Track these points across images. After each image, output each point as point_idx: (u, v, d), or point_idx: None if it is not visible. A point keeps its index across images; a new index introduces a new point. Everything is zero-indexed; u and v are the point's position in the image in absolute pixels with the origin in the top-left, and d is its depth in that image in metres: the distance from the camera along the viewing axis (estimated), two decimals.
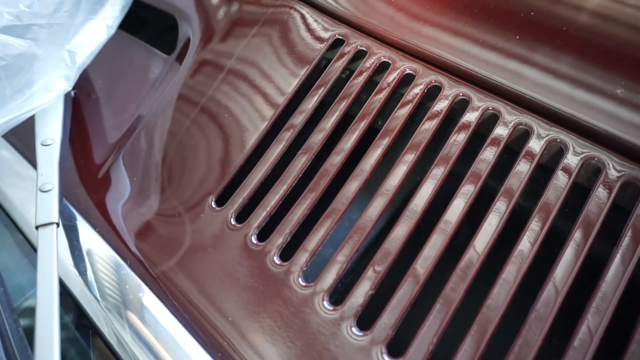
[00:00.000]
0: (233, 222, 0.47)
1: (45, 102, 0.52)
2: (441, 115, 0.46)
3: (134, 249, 0.48)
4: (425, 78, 0.49)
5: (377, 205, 0.44)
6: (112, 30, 0.67)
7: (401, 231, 0.42)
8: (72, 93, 0.67)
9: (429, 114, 0.47)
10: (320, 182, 0.46)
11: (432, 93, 0.49)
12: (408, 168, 0.45)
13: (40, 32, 0.53)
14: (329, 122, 0.50)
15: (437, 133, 0.46)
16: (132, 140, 0.58)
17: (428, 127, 0.46)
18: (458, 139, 0.45)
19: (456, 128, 0.45)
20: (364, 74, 0.51)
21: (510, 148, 0.45)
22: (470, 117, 0.46)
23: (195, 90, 0.59)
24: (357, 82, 0.51)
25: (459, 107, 0.48)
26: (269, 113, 0.53)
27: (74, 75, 0.57)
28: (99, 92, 0.69)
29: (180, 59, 0.65)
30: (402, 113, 0.48)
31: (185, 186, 0.51)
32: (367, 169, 0.46)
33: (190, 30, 0.65)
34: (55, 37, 0.55)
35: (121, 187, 0.54)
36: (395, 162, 0.45)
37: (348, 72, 0.61)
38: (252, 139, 0.51)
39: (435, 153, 0.45)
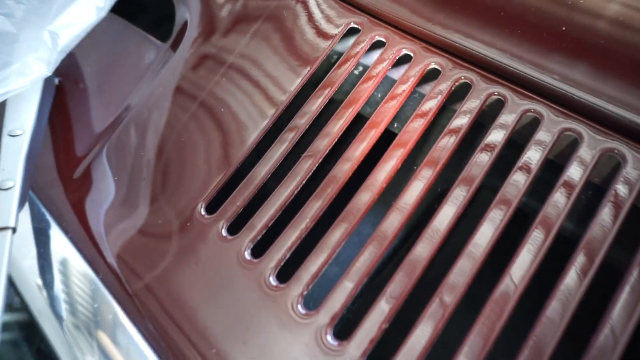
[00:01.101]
0: (224, 233, 0.40)
1: (19, 87, 0.46)
2: (470, 119, 0.40)
3: (110, 260, 0.42)
4: (453, 74, 0.42)
5: (394, 220, 0.37)
6: (103, 13, 0.60)
7: (422, 251, 0.35)
8: (56, 80, 0.61)
9: (455, 118, 0.40)
10: (327, 190, 0.40)
11: (460, 92, 0.43)
12: (428, 183, 0.38)
13: (16, 7, 0.46)
14: (337, 124, 0.43)
15: (465, 139, 0.40)
16: (117, 134, 0.52)
17: (455, 133, 0.39)
18: (491, 146, 0.38)
19: (488, 134, 0.39)
20: (381, 68, 0.45)
21: (553, 161, 0.38)
22: (507, 119, 0.39)
23: (190, 81, 0.53)
24: (372, 78, 0.44)
25: (492, 109, 0.41)
26: (271, 111, 0.46)
27: (54, 60, 0.51)
28: (87, 81, 0.63)
29: (175, 46, 0.58)
30: (424, 115, 0.41)
31: (173, 189, 0.45)
32: (381, 179, 0.39)
33: (188, 14, 0.59)
34: (34, 16, 0.48)
35: (101, 188, 0.48)
36: (412, 177, 0.38)
37: (362, 67, 0.55)
38: (251, 138, 0.45)
39: (462, 164, 0.38)
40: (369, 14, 0.48)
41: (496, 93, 0.40)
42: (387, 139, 0.43)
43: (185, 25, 0.58)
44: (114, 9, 0.63)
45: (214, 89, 0.51)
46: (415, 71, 0.43)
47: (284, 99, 0.46)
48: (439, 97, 0.42)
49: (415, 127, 0.41)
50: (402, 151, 0.40)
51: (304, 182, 0.41)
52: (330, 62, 0.49)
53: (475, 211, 0.38)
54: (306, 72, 0.47)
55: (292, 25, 0.51)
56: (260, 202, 0.41)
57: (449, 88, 0.42)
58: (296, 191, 0.40)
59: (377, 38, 0.47)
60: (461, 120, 0.40)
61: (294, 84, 0.47)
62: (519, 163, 0.37)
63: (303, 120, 0.44)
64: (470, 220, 0.37)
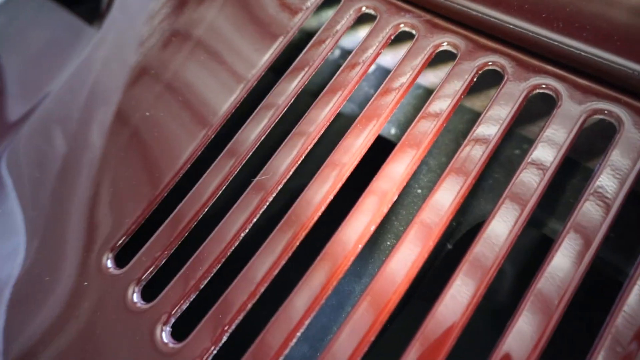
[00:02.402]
0: (135, 298, 0.27)
1: None
2: (504, 124, 0.26)
3: None
4: (474, 58, 0.29)
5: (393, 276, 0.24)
6: None
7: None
8: None
9: (482, 122, 0.27)
10: (284, 241, 0.26)
11: (484, 83, 0.29)
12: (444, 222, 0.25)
13: None
14: (311, 127, 0.29)
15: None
16: (22, 139, 0.38)
17: (481, 145, 0.26)
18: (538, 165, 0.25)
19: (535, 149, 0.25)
20: (370, 51, 0.31)
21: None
22: (564, 125, 0.26)
23: (108, 74, 0.39)
24: (357, 65, 0.31)
25: (537, 104, 0.28)
26: (213, 118, 0.32)
27: None
28: None
29: (100, 25, 0.45)
30: (431, 121, 0.28)
31: (72, 226, 0.31)
32: (369, 221, 0.26)
33: None
34: None
35: None
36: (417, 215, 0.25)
37: (340, 50, 0.41)
38: (182, 156, 0.31)
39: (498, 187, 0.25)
40: None
41: (544, 86, 0.27)
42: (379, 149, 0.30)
43: None
44: None
45: (136, 88, 0.37)
46: (420, 58, 0.30)
47: (225, 107, 0.32)
48: (454, 98, 0.28)
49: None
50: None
51: (247, 225, 0.27)
52: (298, 43, 0.36)
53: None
54: (265, 58, 0.33)
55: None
56: (187, 253, 0.27)
57: (467, 81, 0.28)
58: (238, 238, 0.27)
59: (364, 10, 0.33)
60: (485, 139, 0.26)
61: (250, 72, 0.33)
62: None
63: (252, 135, 0.30)
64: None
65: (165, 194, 0.30)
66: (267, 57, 0.33)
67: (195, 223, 0.28)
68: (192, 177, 0.31)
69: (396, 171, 0.27)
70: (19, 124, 0.43)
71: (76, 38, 0.49)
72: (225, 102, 0.32)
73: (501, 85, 0.27)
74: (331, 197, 0.27)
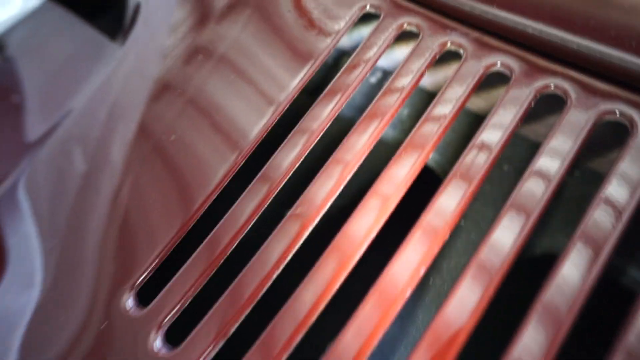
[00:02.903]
0: (159, 343, 0.25)
1: None
2: (570, 155, 0.24)
3: None
4: (530, 81, 0.26)
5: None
6: (33, 1, 0.45)
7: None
8: None
9: (544, 153, 0.24)
10: (325, 279, 0.24)
11: (545, 110, 0.27)
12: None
13: None
14: (349, 155, 0.27)
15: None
16: (27, 169, 0.37)
17: (544, 180, 0.23)
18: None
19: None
20: (413, 73, 0.29)
21: None
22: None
23: (129, 94, 0.37)
24: (399, 90, 0.28)
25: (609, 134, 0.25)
26: (244, 142, 0.30)
27: None
28: (11, 89, 0.48)
29: (124, 43, 0.43)
30: (485, 152, 0.25)
31: (91, 258, 0.29)
32: (416, 266, 0.23)
33: None
34: None
35: None
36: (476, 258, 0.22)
37: (380, 73, 0.39)
38: (210, 184, 0.29)
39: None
40: None
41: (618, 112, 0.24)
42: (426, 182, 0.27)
43: (137, 7, 0.43)
44: None
45: (161, 108, 0.35)
46: (468, 81, 0.27)
47: (255, 131, 0.30)
48: (510, 126, 0.25)
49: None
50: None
51: (284, 260, 0.25)
52: (333, 64, 0.34)
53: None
54: (297, 80, 0.31)
55: (280, 13, 0.35)
56: (216, 292, 0.25)
57: (525, 106, 0.26)
58: (274, 274, 0.24)
59: (406, 27, 0.31)
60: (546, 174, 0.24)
61: (281, 96, 0.31)
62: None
63: (286, 160, 0.28)
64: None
65: (193, 223, 0.28)
66: (299, 78, 0.31)
67: (225, 256, 0.26)
68: (222, 205, 0.28)
69: (447, 205, 0.24)
70: (38, 143, 0.42)
71: (97, 53, 0.48)
72: (256, 126, 0.30)
73: (564, 112, 0.25)
74: (375, 231, 0.24)
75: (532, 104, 0.25)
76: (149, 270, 0.27)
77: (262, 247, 0.25)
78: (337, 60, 0.44)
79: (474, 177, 0.24)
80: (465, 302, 0.21)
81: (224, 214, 0.27)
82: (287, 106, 0.30)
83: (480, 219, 0.32)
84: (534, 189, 0.23)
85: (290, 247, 0.25)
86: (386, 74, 0.41)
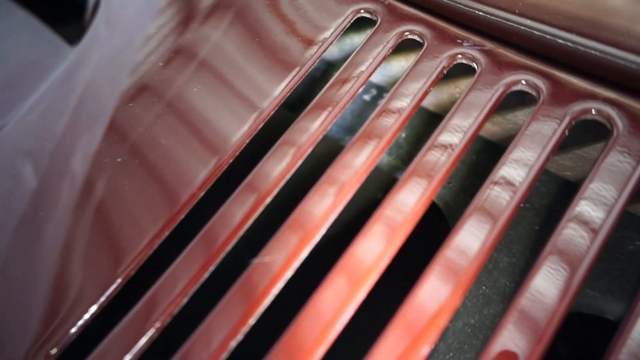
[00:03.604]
0: None
1: None
2: (618, 205, 0.18)
3: None
4: (564, 105, 0.21)
5: None
6: None
7: None
8: None
9: (583, 198, 0.19)
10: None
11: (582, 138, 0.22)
12: None
13: None
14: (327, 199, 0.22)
15: None
16: None
17: (588, 230, 0.18)
18: None
19: None
20: (416, 91, 0.23)
21: None
22: None
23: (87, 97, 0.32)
24: (398, 112, 0.23)
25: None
26: (209, 165, 0.25)
27: None
28: None
29: (79, 43, 0.37)
30: (508, 190, 0.20)
31: (28, 295, 0.23)
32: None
33: None
34: None
35: None
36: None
37: (375, 89, 0.34)
38: (182, 197, 0.23)
39: None
40: None
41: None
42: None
43: (95, 10, 0.37)
44: None
45: (127, 115, 0.29)
46: (483, 103, 0.22)
47: (233, 142, 0.24)
48: (538, 160, 0.20)
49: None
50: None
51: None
52: (319, 77, 0.29)
53: None
54: (277, 94, 0.26)
55: (259, 19, 0.30)
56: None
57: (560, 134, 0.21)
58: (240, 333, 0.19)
59: (408, 35, 0.26)
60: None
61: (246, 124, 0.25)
62: None
63: (265, 183, 0.22)
64: None
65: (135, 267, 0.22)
66: (280, 89, 0.26)
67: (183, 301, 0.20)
68: (197, 216, 0.23)
69: (472, 247, 0.19)
70: None
71: (55, 59, 0.42)
72: (234, 138, 0.24)
73: (609, 143, 0.20)
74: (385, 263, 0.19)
75: (567, 132, 0.20)
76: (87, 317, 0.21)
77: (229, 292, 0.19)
78: (326, 73, 0.39)
79: (499, 217, 0.19)
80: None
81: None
82: (270, 115, 0.25)
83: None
84: (577, 238, 0.18)
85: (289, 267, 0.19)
86: (381, 91, 0.36)
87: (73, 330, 0.20)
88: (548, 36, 0.22)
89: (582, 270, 0.17)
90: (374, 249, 0.19)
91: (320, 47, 0.26)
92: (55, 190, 0.28)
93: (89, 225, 0.25)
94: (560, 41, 0.21)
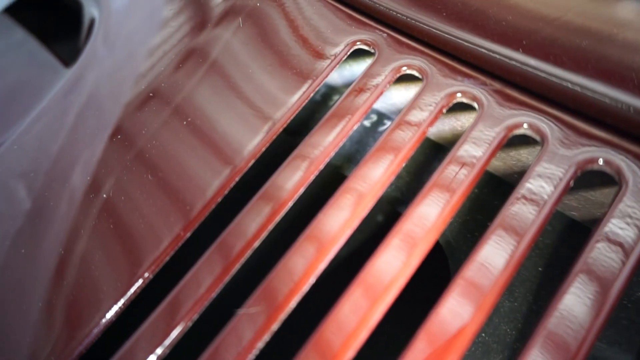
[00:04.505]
0: None
1: None
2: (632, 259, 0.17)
3: None
4: (578, 152, 0.20)
5: None
6: None
7: None
8: None
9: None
10: None
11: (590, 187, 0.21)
12: None
13: None
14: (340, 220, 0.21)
15: None
16: None
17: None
18: None
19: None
20: (414, 131, 0.22)
21: None
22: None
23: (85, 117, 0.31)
24: (398, 147, 0.22)
25: None
26: (212, 188, 0.24)
27: None
28: None
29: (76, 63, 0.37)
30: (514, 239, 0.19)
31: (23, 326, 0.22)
32: None
33: (97, 11, 0.37)
34: None
35: None
36: None
37: (376, 115, 0.33)
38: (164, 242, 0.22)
39: None
40: (390, 27, 0.26)
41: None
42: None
43: (92, 23, 0.37)
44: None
45: (127, 133, 0.29)
46: (484, 144, 0.21)
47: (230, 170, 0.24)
48: (552, 197, 0.19)
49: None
50: None
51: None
52: (321, 101, 0.28)
53: None
54: (274, 123, 0.25)
55: (263, 38, 0.29)
56: None
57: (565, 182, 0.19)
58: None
59: (406, 70, 0.25)
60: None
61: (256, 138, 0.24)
62: None
63: (288, 183, 0.21)
64: None
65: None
66: (279, 117, 0.25)
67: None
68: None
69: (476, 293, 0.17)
70: None
71: (50, 79, 0.41)
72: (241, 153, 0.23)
73: (618, 195, 0.18)
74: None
75: (572, 183, 0.19)
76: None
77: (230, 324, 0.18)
78: (325, 97, 0.38)
79: (514, 263, 0.18)
80: None
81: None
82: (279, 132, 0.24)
83: None
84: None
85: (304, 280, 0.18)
86: (381, 117, 0.35)
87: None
88: (554, 78, 0.20)
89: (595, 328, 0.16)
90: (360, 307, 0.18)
91: (315, 79, 0.25)
92: (56, 209, 0.28)
93: (101, 235, 0.24)
94: (567, 84, 0.20)
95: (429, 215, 0.19)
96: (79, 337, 0.21)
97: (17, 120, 0.39)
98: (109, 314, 0.21)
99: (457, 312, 0.17)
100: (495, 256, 0.18)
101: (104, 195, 0.26)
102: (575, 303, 0.17)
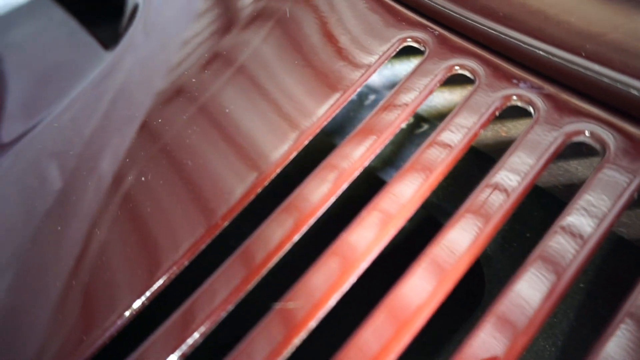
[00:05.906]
0: None
1: None
2: None
3: None
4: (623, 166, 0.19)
5: None
6: None
7: None
8: None
9: None
10: None
11: None
12: None
13: None
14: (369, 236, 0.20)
15: None
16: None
17: None
18: None
19: None
20: (462, 133, 0.22)
21: None
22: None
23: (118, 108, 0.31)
24: (449, 147, 0.21)
25: None
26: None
27: None
28: None
29: (116, 48, 0.37)
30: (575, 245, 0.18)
31: (47, 314, 0.22)
32: None
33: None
34: None
35: None
36: None
37: (414, 118, 0.32)
38: (184, 244, 0.22)
39: None
40: (442, 25, 0.26)
41: None
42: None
43: (135, 9, 0.37)
44: None
45: (160, 121, 0.28)
46: (548, 140, 0.20)
47: (265, 168, 0.23)
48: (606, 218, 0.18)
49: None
50: None
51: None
52: (358, 102, 0.27)
53: None
54: (319, 116, 0.24)
55: (303, 35, 0.28)
56: None
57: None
58: None
59: (457, 70, 0.24)
60: None
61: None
62: None
63: (315, 194, 0.21)
64: None
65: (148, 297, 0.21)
66: (322, 110, 0.24)
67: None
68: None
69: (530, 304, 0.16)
70: (4, 149, 0.35)
71: (89, 62, 0.41)
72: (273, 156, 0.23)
73: None
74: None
75: (636, 195, 0.18)
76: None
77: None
78: (361, 96, 0.37)
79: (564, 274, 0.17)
80: None
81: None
82: (311, 138, 0.23)
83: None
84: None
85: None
86: (420, 120, 0.34)
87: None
88: (619, 85, 0.19)
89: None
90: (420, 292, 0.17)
91: (363, 74, 0.24)
92: (83, 194, 0.28)
93: (121, 231, 0.24)
94: (634, 92, 0.19)
95: (471, 230, 0.19)
96: (101, 326, 0.20)
97: (54, 100, 0.39)
98: (126, 314, 0.20)
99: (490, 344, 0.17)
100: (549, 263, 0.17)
101: (127, 187, 0.25)
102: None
